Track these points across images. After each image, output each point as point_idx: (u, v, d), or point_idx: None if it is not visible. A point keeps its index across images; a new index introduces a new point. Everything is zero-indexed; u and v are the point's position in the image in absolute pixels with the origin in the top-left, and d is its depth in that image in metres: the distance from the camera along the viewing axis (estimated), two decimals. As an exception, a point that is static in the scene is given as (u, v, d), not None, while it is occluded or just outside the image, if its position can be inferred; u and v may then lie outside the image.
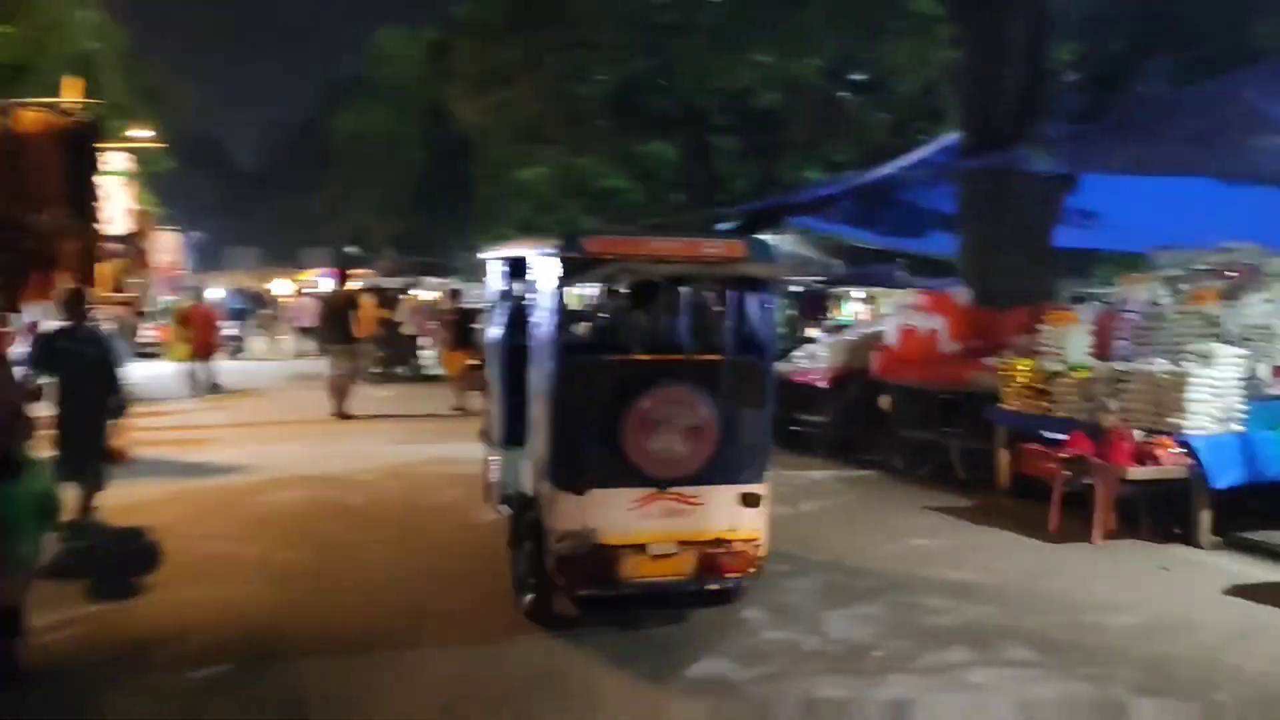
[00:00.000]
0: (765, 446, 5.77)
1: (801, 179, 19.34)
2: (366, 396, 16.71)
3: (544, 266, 5.68)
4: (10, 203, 12.39)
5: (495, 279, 6.91)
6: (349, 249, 58.25)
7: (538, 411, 5.76)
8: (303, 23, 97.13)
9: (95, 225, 13.13)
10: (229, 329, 26.33)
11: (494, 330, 6.87)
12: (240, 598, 6.38)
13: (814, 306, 15.92)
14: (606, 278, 5.90)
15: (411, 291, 22.35)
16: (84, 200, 12.68)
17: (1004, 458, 9.58)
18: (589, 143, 18.16)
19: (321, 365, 23.54)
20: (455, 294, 16.54)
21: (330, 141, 49.89)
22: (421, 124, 38.67)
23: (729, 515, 5.64)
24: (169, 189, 43.48)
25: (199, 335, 17.51)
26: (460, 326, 15.54)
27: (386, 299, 22.23)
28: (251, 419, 14.84)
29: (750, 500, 5.66)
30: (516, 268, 6.51)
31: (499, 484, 6.82)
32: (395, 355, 20.21)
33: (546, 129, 17.42)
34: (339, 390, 14.82)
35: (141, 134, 22.46)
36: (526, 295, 6.30)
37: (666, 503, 5.55)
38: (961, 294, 11.30)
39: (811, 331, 15.30)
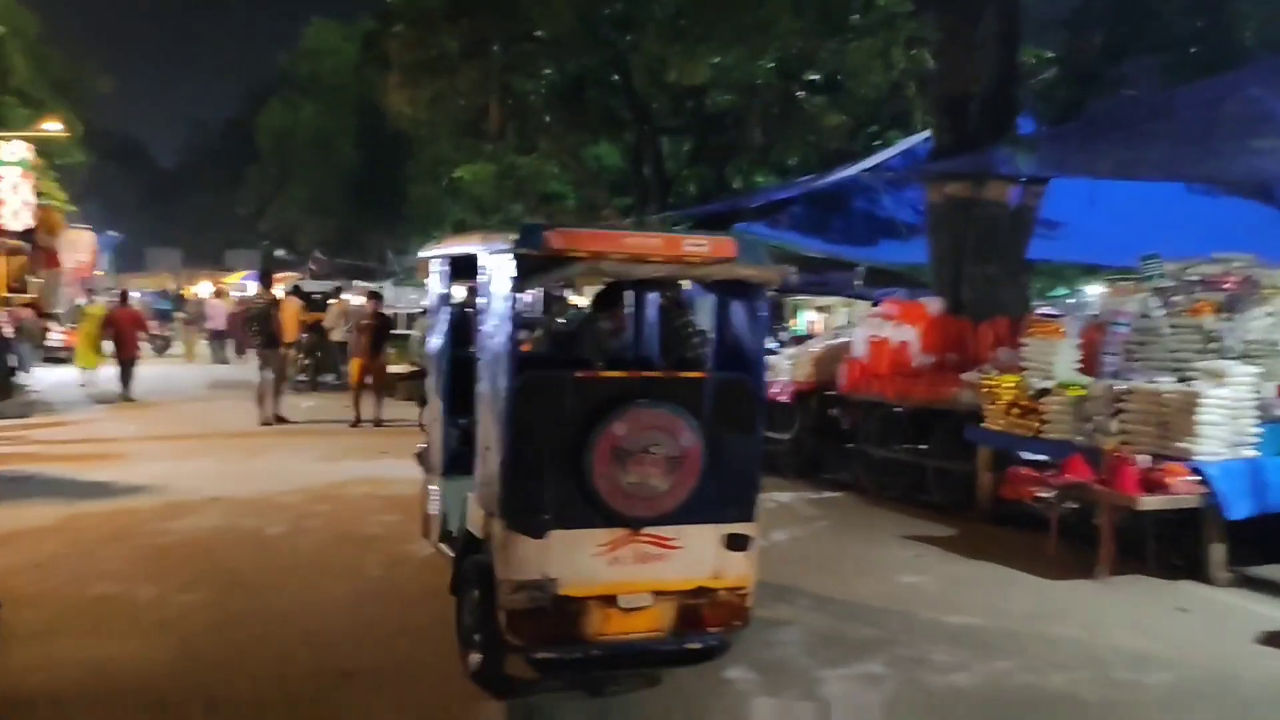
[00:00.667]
0: (755, 479, 4.93)
1: (753, 183, 18.65)
2: (291, 406, 15.58)
3: (496, 265, 4.79)
4: None
5: (436, 281, 5.98)
6: (277, 252, 56.62)
7: (487, 435, 4.85)
8: (228, 16, 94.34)
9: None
10: (154, 330, 25.73)
11: (435, 340, 5.95)
12: (123, 654, 5.34)
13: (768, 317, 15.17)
14: (570, 279, 5.01)
15: (342, 296, 21.20)
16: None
17: (986, 481, 8.89)
18: (533, 140, 17.23)
19: (240, 372, 22.72)
20: (374, 297, 15.39)
21: (257, 139, 48.21)
22: (354, 120, 37.34)
23: (713, 560, 4.79)
24: (84, 186, 41.48)
25: (123, 338, 17.03)
26: (377, 333, 14.49)
27: (313, 303, 21.06)
28: (163, 431, 13.64)
29: (737, 542, 4.82)
30: (462, 268, 5.60)
31: (439, 517, 5.88)
32: (322, 362, 19.05)
33: (488, 124, 16.47)
34: (265, 397, 14.29)
35: (49, 125, 20.87)
36: (474, 299, 5.41)
37: (640, 546, 4.68)
38: (934, 304, 10.62)
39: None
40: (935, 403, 9.49)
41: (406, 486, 9.78)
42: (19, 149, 14.52)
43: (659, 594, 4.72)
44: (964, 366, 9.71)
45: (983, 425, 8.79)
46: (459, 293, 6.23)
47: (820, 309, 15.96)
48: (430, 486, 6.04)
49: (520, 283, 4.59)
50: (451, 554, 5.50)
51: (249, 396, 16.77)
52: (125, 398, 16.90)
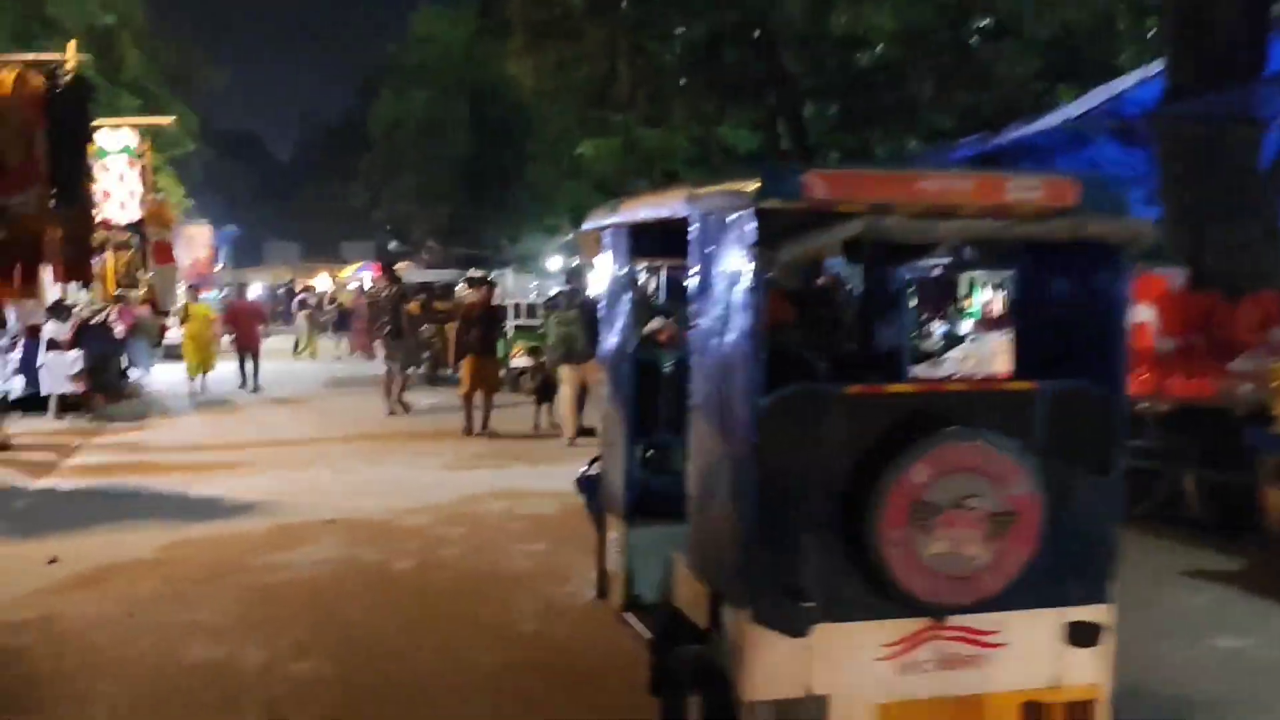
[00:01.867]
0: (1111, 539, 3.32)
1: (902, 150, 16.81)
2: (415, 407, 14.51)
3: (723, 230, 3.26)
4: None
5: (611, 259, 4.49)
6: (392, 243, 56.61)
7: (710, 476, 3.35)
8: (341, 7, 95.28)
9: (87, 209, 10.94)
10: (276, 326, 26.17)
11: (612, 338, 4.46)
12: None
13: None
14: (834, 246, 3.42)
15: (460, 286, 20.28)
16: (71, 178, 10.48)
17: (1276, 498, 7.03)
18: (665, 107, 15.69)
19: (359, 367, 21.91)
20: (485, 285, 13.78)
21: (368, 130, 47.97)
22: (464, 107, 36.46)
23: (1051, 660, 3.21)
24: (202, 181, 41.73)
25: (243, 331, 17.59)
26: (489, 327, 12.75)
27: (431, 293, 20.02)
28: (277, 435, 12.64)
29: (1084, 634, 3.23)
30: (653, 238, 4.12)
31: (622, 575, 4.41)
32: (441, 355, 17.95)
33: (615, 91, 15.05)
34: (391, 388, 14.32)
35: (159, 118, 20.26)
36: (666, 280, 3.92)
37: (947, 644, 3.14)
38: (1174, 276, 8.74)
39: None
40: (1200, 400, 7.65)
41: (547, 502, 8.48)
42: (124, 136, 13.69)
43: (968, 712, 3.17)
44: (1216, 352, 7.87)
45: (1272, 428, 6.94)
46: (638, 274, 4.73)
47: (996, 287, 14.09)
48: (610, 533, 4.57)
49: (764, 252, 3.05)
50: (646, 633, 4.02)
51: (365, 393, 15.84)
52: (254, 388, 17.28)
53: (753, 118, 17.83)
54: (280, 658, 5.12)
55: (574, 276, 14.07)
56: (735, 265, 3.16)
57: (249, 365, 17.49)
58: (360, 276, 39.76)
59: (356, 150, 52.96)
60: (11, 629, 5.57)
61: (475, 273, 26.02)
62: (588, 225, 4.74)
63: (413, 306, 17.39)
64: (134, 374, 18.11)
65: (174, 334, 25.31)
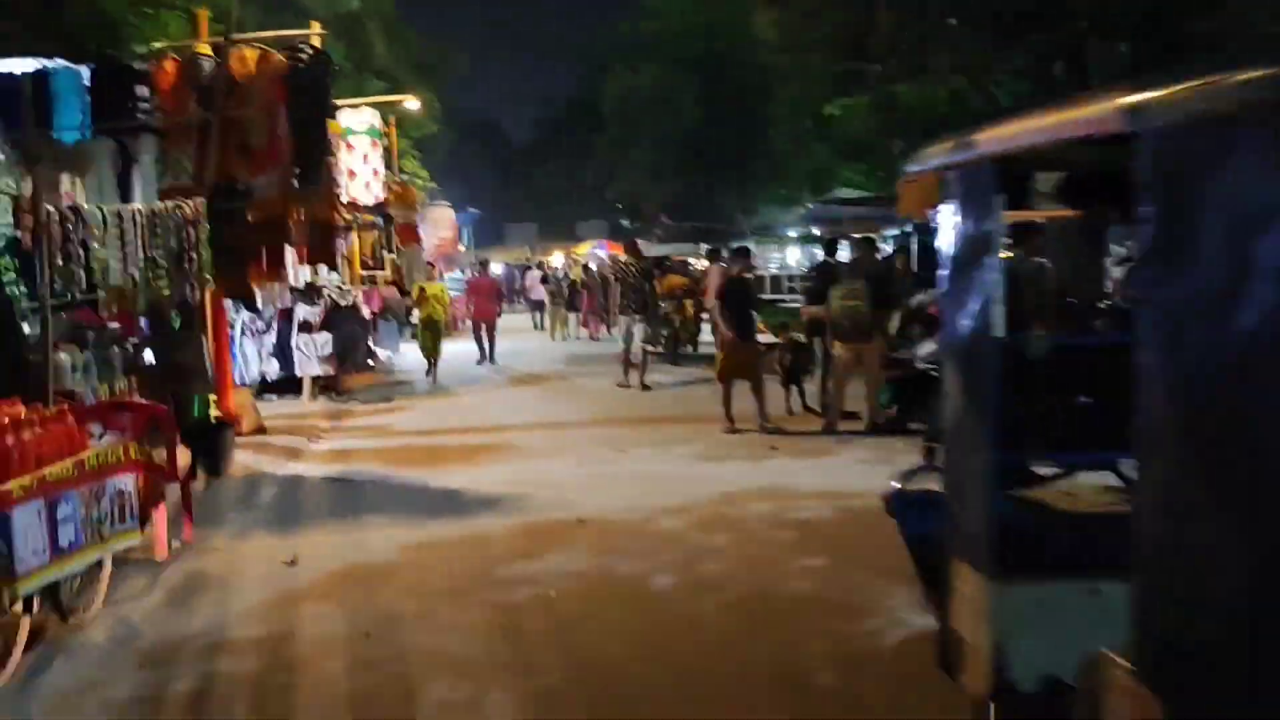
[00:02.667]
0: None
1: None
2: (657, 388, 13.72)
3: (1206, 147, 2.01)
4: (229, 163, 10.12)
5: (959, 211, 3.27)
6: (623, 220, 56.81)
7: (1202, 538, 2.12)
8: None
9: (330, 189, 10.73)
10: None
11: (962, 317, 3.25)
12: None
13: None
14: None
15: (694, 261, 19.52)
16: (313, 158, 10.24)
17: None
18: (932, 54, 14.06)
19: (595, 346, 21.46)
20: (742, 255, 12.14)
21: (602, 108, 48.11)
22: (696, 78, 35.60)
23: None
24: (445, 166, 43.05)
25: (480, 307, 18.51)
26: (744, 304, 11.12)
27: (665, 268, 19.20)
28: (518, 417, 12.11)
29: None
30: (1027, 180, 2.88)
31: (985, 650, 3.21)
32: (681, 332, 17.09)
33: (872, 40, 13.59)
34: (633, 364, 14.13)
35: (403, 97, 20.42)
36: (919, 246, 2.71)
37: None
38: None
39: None
40: None
41: (819, 505, 7.35)
42: (369, 116, 13.54)
43: None
44: None
45: None
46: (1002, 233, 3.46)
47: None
48: (961, 587, 3.36)
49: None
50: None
51: (605, 373, 15.23)
52: (490, 360, 18.03)
53: (1024, 64, 15.85)
54: (527, 703, 4.27)
55: (830, 248, 12.70)
56: (1248, 198, 1.90)
57: (485, 340, 18.19)
58: (594, 254, 39.82)
59: (591, 130, 53.48)
60: (240, 650, 5.02)
61: (706, 247, 25.24)
62: (920, 165, 3.52)
63: (669, 280, 16.81)
64: (381, 355, 18.36)
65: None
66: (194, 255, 8.69)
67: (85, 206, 7.48)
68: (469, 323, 20.27)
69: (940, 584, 3.58)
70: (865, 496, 7.57)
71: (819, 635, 4.91)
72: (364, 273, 14.42)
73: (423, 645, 4.99)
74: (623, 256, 16.95)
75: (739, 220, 33.97)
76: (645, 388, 13.93)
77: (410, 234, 19.30)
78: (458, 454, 9.94)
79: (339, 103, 13.46)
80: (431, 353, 15.90)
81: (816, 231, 23.61)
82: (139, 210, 8.05)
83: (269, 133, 9.57)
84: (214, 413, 9.75)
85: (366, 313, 14.32)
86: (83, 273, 7.25)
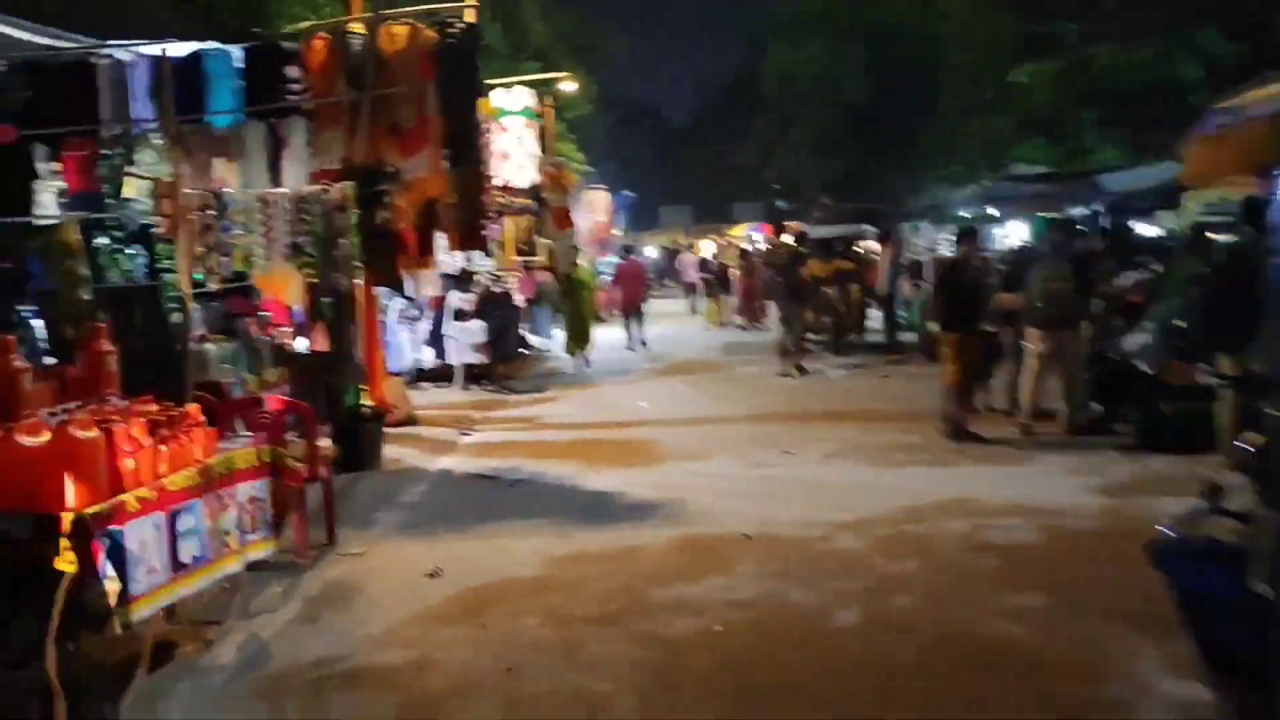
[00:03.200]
0: None
1: None
2: (820, 379, 12.83)
3: None
4: (379, 144, 9.78)
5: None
6: (779, 202, 55.61)
7: None
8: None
9: (480, 171, 10.26)
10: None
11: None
12: None
13: None
14: None
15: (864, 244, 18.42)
16: (463, 138, 9.78)
17: None
18: (1134, 13, 12.56)
19: (753, 334, 20.55)
20: (968, 238, 10.11)
21: (761, 87, 47.00)
22: (862, 50, 34.12)
23: None
24: (601, 149, 42.83)
25: (627, 292, 18.60)
26: (973, 293, 9.50)
27: (831, 251, 18.13)
28: (674, 411, 11.46)
29: None
30: None
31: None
32: (845, 320, 16.06)
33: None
34: (787, 352, 13.98)
35: (558, 75, 20.01)
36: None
37: None
38: None
39: None
40: None
41: (1022, 525, 6.40)
42: (523, 96, 13.08)
43: None
44: None
45: None
46: None
47: None
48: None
49: None
50: None
51: (763, 362, 14.47)
52: (641, 344, 18.16)
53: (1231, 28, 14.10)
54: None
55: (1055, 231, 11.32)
56: None
57: (634, 325, 18.41)
58: (749, 237, 38.88)
59: (748, 110, 52.45)
60: (370, 682, 4.51)
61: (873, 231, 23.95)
62: (1234, 116, 2.61)
63: (813, 266, 15.70)
64: (535, 342, 18.04)
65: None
66: (342, 241, 8.37)
67: (227, 191, 7.17)
68: (618, 310, 20.24)
69: (1237, 668, 2.69)
70: (1077, 515, 6.58)
71: (1040, 700, 4.04)
72: (517, 259, 14.00)
73: (567, 685, 4.37)
74: (782, 238, 16.18)
75: (906, 200, 32.34)
76: (801, 371, 13.73)
77: (565, 218, 18.90)
78: (610, 451, 9.35)
79: (492, 82, 13.06)
80: (580, 342, 15.36)
81: (993, 212, 22.05)
82: (285, 195, 7.73)
83: (418, 112, 9.15)
84: (365, 403, 9.47)
85: (520, 300, 13.91)
86: (228, 260, 6.94)
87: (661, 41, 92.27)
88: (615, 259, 31.98)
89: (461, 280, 13.16)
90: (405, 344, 13.13)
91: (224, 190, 7.17)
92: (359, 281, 9.13)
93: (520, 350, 13.82)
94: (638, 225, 49.08)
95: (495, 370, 13.48)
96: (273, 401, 6.09)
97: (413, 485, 8.37)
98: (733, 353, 17.12)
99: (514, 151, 13.05)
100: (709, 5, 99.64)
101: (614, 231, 36.61)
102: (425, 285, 11.15)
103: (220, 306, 8.94)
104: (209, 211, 6.74)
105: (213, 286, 6.99)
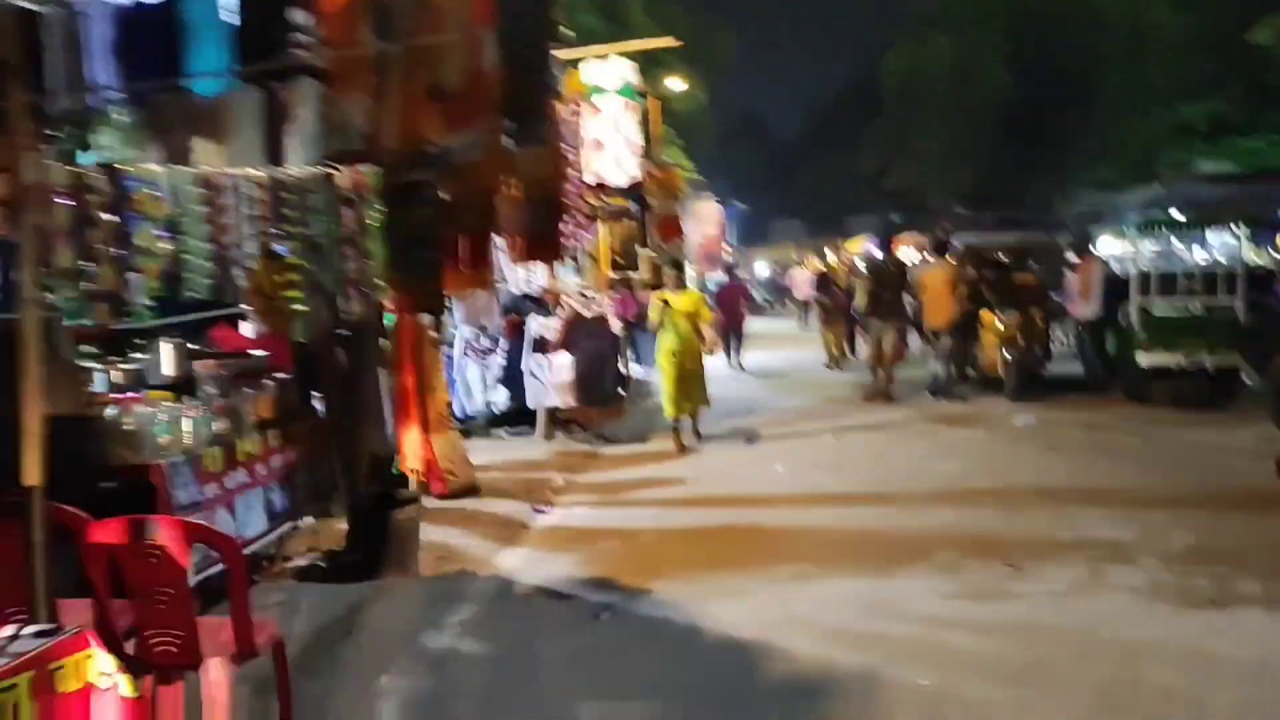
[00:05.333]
0: None
1: None
2: (999, 431, 9.72)
3: None
4: (416, 114, 7.12)
5: None
6: (892, 215, 52.10)
7: None
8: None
9: (556, 153, 7.54)
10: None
11: None
12: None
13: None
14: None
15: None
16: (532, 106, 7.09)
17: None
18: None
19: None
20: None
21: (880, 91, 43.73)
22: (1004, 40, 30.60)
23: None
24: (710, 160, 40.03)
25: (728, 312, 17.30)
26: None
27: (998, 266, 14.71)
28: (824, 478, 8.51)
29: None
30: None
31: None
32: (1030, 354, 12.59)
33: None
34: (880, 365, 12.85)
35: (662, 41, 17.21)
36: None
37: None
38: None
39: None
40: None
41: None
42: (621, 69, 10.36)
43: None
44: None
45: None
46: None
47: None
48: None
49: None
50: None
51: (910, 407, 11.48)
52: (738, 365, 17.46)
53: None
54: None
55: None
56: None
57: (734, 344, 17.65)
58: (866, 251, 35.51)
59: (863, 118, 49.28)
60: None
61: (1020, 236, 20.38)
62: None
63: (1015, 277, 12.73)
64: (638, 372, 15.29)
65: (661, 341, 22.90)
66: (352, 250, 5.72)
67: (128, 167, 4.53)
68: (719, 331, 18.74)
69: None
70: None
71: None
72: (613, 274, 11.19)
73: None
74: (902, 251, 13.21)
75: (1057, 207, 28.64)
76: (888, 399, 12.49)
77: (672, 227, 16.19)
78: (740, 551, 6.46)
79: (581, 51, 10.37)
80: (683, 403, 9.87)
81: (1179, 217, 18.45)
82: (253, 178, 5.11)
83: (470, 69, 6.48)
84: (398, 477, 6.81)
85: (617, 325, 11.10)
86: (136, 278, 4.31)
87: (770, 51, 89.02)
88: (723, 277, 29.22)
89: (541, 302, 10.45)
90: (474, 383, 10.48)
91: (123, 165, 4.53)
92: (388, 304, 6.45)
93: (618, 390, 11.01)
94: (748, 239, 46.05)
95: (586, 415, 10.73)
96: (167, 528, 3.39)
97: (450, 612, 5.60)
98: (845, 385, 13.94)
99: (609, 140, 10.35)
100: (820, 10, 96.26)
101: (725, 245, 33.78)
102: (481, 310, 8.35)
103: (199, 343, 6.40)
104: (92, 199, 4.11)
105: (105, 322, 4.31)
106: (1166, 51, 22.59)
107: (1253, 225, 13.33)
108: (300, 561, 6.37)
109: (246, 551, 5.51)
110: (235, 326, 6.87)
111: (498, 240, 6.91)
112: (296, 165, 6.17)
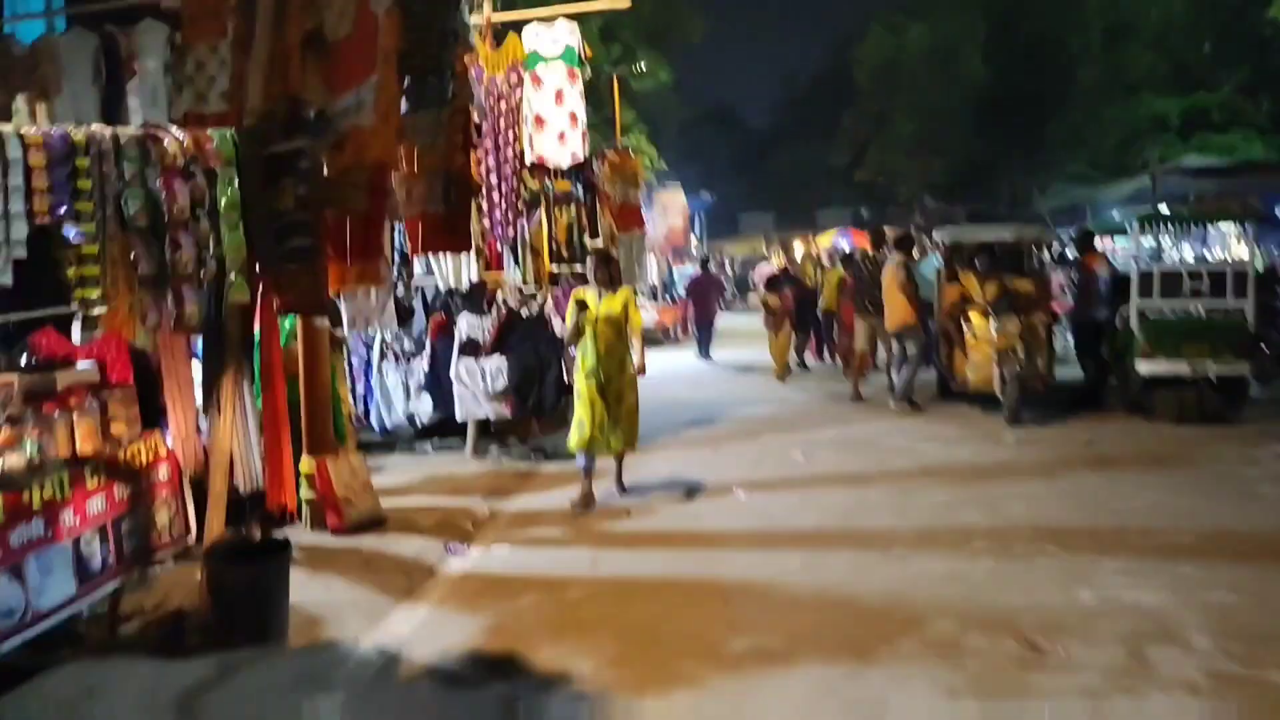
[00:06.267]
0: None
1: None
2: (989, 448, 8.57)
3: None
4: (290, 68, 5.67)
5: None
6: (863, 209, 51.27)
7: None
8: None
9: (465, 117, 6.20)
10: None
11: None
12: None
13: None
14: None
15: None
16: (437, 59, 5.76)
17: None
18: None
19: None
20: None
21: (854, 79, 42.74)
22: (983, 24, 29.62)
23: None
24: (677, 149, 38.81)
25: (699, 307, 18.24)
26: None
27: (995, 258, 13.25)
28: (794, 505, 7.30)
29: None
30: None
31: None
32: (1030, 366, 11.06)
33: None
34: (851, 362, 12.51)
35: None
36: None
37: None
38: None
39: None
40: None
41: None
42: (562, 34, 9.05)
43: None
44: None
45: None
46: None
47: None
48: None
49: None
50: None
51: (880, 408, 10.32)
52: (705, 355, 17.85)
53: None
54: None
55: None
56: None
57: (704, 338, 18.07)
58: (835, 245, 34.56)
59: (836, 108, 48.38)
60: None
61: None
62: None
63: (968, 285, 11.30)
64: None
65: (645, 315, 21.88)
66: (193, 234, 4.43)
67: None
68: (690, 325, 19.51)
69: None
70: None
71: None
72: (555, 268, 9.86)
73: None
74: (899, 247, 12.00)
75: (1035, 200, 27.66)
76: (913, 406, 11.20)
77: (631, 216, 14.91)
78: (694, 615, 5.23)
79: (525, 14, 9.06)
80: (599, 438, 7.38)
81: (1166, 211, 17.45)
82: (21, 138, 3.79)
83: (356, 12, 5.18)
84: (278, 507, 5.53)
85: (560, 325, 9.81)
86: None
87: (740, 40, 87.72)
88: (691, 270, 28.19)
89: (472, 298, 9.16)
90: (394, 391, 9.20)
91: None
92: (242, 302, 5.13)
93: (560, 398, 9.71)
94: (716, 231, 44.85)
95: (524, 427, 9.46)
96: None
97: (311, 701, 4.35)
98: (836, 401, 12.75)
99: (552, 116, 9.06)
100: (794, 8, 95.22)
101: (690, 238, 32.59)
102: (373, 312, 6.92)
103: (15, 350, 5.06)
104: None
105: None
106: (1165, 37, 21.67)
107: (1255, 221, 12.32)
108: (136, 625, 5.09)
109: (43, 625, 4.25)
110: (68, 330, 5.54)
111: (394, 226, 5.61)
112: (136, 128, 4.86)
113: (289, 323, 6.23)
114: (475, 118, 6.26)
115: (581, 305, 7.18)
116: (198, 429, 5.31)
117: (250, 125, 5.03)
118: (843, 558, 6.09)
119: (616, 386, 7.34)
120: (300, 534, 6.70)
